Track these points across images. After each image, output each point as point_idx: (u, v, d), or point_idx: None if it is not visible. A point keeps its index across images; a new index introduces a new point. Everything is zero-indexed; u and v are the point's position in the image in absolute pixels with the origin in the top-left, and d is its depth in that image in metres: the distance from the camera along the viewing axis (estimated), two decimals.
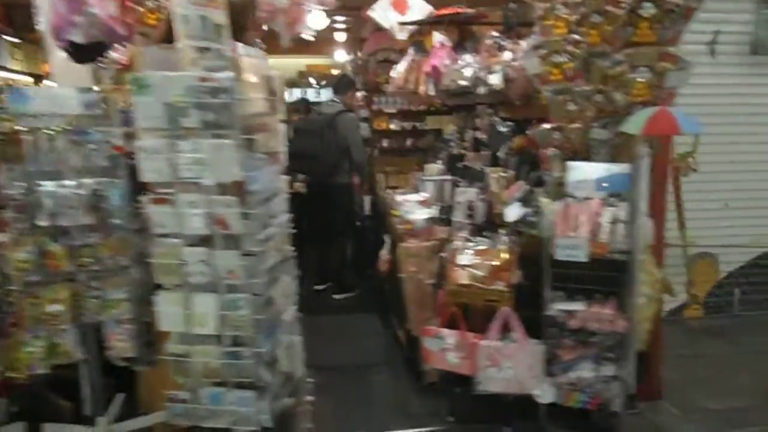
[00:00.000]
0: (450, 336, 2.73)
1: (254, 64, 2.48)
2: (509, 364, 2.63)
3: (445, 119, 5.29)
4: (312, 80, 8.64)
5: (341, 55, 7.47)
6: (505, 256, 2.75)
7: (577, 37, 2.66)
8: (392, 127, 5.82)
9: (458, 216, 3.17)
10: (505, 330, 2.69)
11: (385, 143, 5.60)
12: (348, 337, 4.13)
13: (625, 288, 2.59)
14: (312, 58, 7.98)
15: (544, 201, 2.66)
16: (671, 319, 4.41)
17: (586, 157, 2.82)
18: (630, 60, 2.57)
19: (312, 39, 6.01)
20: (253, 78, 2.42)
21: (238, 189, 2.35)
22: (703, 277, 4.43)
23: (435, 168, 3.86)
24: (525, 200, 2.79)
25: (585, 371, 2.66)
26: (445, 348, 2.73)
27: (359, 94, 5.99)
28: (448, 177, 3.48)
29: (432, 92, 3.55)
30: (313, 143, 4.57)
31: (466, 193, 3.18)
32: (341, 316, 4.59)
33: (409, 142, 5.59)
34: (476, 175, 3.34)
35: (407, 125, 5.77)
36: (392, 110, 5.40)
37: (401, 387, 3.32)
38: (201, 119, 2.30)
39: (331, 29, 6.32)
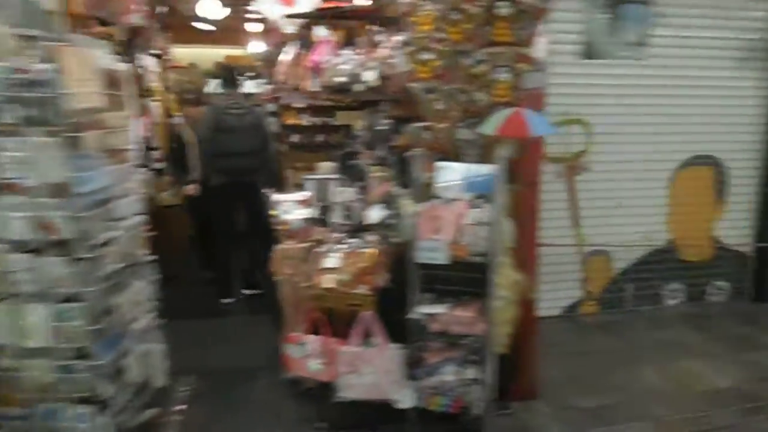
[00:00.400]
0: (312, 342, 2.64)
1: (89, 56, 2.30)
2: (369, 370, 2.56)
3: (354, 115, 5.19)
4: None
5: (257, 47, 7.25)
6: (370, 259, 2.68)
7: (440, 34, 2.61)
8: (303, 122, 5.69)
9: (335, 216, 3.08)
10: (368, 335, 2.63)
11: (295, 138, 5.47)
12: (239, 340, 3.99)
13: (485, 291, 2.57)
14: (231, 48, 7.72)
15: (405, 203, 2.61)
16: (566, 316, 4.49)
17: (456, 158, 2.79)
18: (491, 59, 2.54)
19: (213, 29, 5.78)
20: (84, 71, 2.24)
21: (66, 190, 2.19)
22: (597, 274, 4.52)
23: (327, 166, 3.76)
24: (387, 202, 2.73)
25: (447, 375, 2.64)
26: (307, 355, 2.64)
27: (268, 88, 5.82)
28: (331, 175, 3.39)
29: (316, 88, 3.45)
30: (248, 141, 4.35)
31: (344, 193, 3.09)
32: (239, 317, 4.45)
33: (320, 137, 5.47)
34: (359, 175, 3.26)
35: (318, 120, 5.65)
36: (301, 105, 5.27)
37: (279, 392, 3.21)
38: (20, 115, 2.12)
39: (243, 19, 6.11)
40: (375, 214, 2.72)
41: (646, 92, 4.31)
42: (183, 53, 6.96)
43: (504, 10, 2.41)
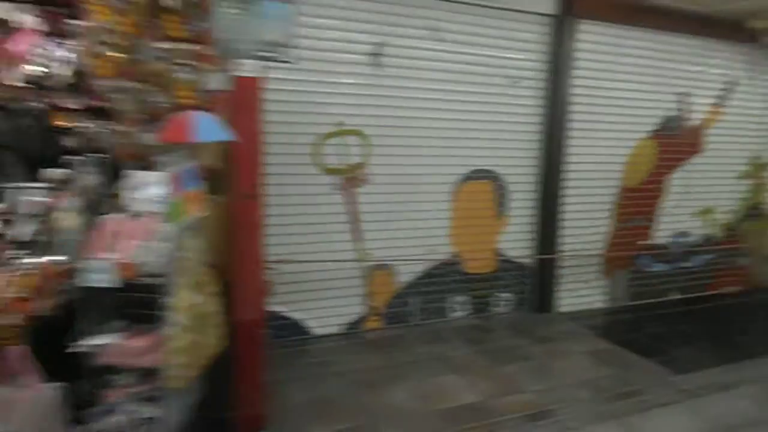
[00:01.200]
0: None
1: None
2: (16, 416, 2.15)
3: None
4: None
5: None
6: (26, 282, 2.27)
7: (117, 26, 2.29)
8: (77, 124, 5.09)
9: (16, 232, 2.63)
10: (17, 374, 2.21)
11: (70, 144, 4.86)
12: None
13: (159, 317, 2.27)
14: None
15: (61, 216, 2.25)
16: (348, 333, 4.35)
17: (150, 166, 2.48)
18: (170, 56, 2.27)
19: None
20: None
21: None
22: (380, 289, 4.42)
23: (55, 173, 3.26)
24: (45, 215, 2.36)
25: (123, 414, 2.30)
26: None
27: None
28: (32, 184, 2.92)
29: (18, 82, 2.99)
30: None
31: (35, 205, 2.65)
32: None
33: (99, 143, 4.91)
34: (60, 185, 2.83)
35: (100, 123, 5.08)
36: (77, 106, 4.67)
37: None
38: None
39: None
40: (26, 229, 2.33)
41: (425, 105, 4.32)
42: None
43: (169, 1, 2.16)
